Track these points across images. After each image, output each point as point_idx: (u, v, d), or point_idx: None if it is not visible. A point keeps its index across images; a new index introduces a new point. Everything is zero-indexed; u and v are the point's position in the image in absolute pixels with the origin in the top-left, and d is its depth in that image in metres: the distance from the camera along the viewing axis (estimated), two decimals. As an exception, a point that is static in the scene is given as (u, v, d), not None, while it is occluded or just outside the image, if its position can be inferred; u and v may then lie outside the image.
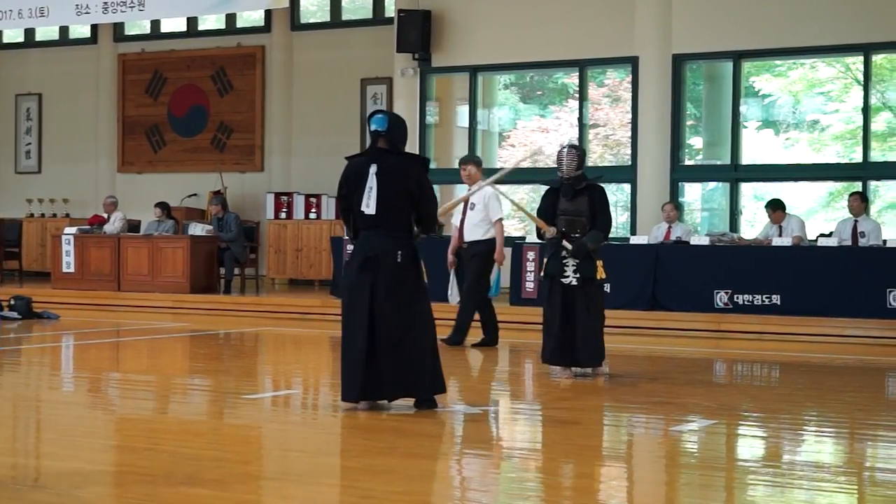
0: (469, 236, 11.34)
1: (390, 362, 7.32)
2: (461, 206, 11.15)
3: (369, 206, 7.33)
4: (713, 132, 17.05)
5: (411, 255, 7.45)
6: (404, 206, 7.39)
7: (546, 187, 9.48)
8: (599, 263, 9.20)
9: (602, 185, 9.39)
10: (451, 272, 11.46)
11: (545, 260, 9.36)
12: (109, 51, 21.65)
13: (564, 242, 9.13)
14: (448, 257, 11.49)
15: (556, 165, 9.37)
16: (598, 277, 9.19)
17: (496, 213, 11.28)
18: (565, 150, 9.24)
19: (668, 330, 13.48)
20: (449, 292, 11.42)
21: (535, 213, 9.55)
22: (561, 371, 9.22)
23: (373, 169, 7.36)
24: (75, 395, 8.75)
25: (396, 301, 7.33)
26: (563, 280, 9.14)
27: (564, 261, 9.14)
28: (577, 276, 9.12)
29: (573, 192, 9.14)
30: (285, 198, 19.19)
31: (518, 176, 18.66)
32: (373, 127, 7.47)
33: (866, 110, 15.53)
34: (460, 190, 18.11)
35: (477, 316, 11.54)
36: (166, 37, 21.31)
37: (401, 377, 7.35)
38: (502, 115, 18.96)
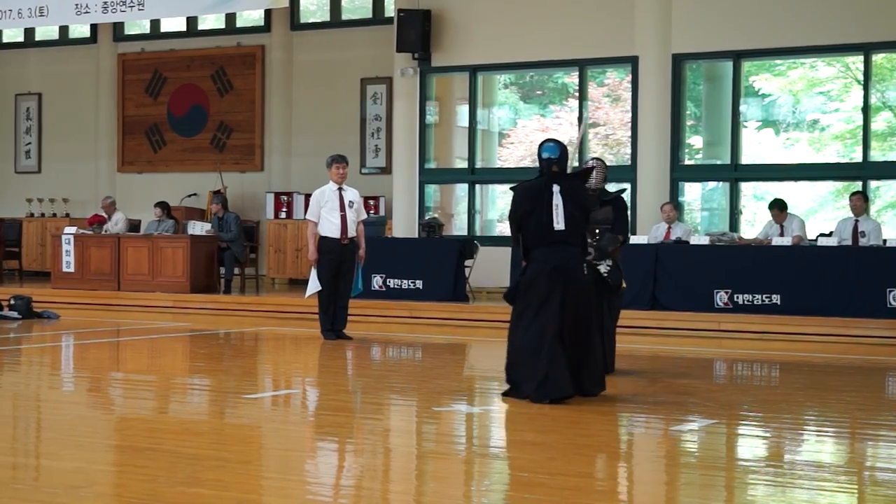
0: (352, 232, 12.08)
1: (581, 365, 7.96)
2: (340, 203, 11.93)
3: (559, 222, 8.01)
4: (713, 132, 17.05)
5: (591, 268, 8.36)
6: (583, 222, 8.19)
7: None
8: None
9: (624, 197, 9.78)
10: (313, 268, 12.14)
11: None
12: (109, 50, 21.66)
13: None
14: (311, 253, 12.11)
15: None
16: (623, 285, 9.32)
17: (362, 213, 12.32)
18: (595, 163, 9.50)
19: (669, 330, 13.48)
20: (309, 287, 12.15)
21: None
22: None
23: (556, 188, 8.07)
24: (75, 395, 8.74)
25: (582, 311, 7.99)
26: None
27: (597, 266, 9.21)
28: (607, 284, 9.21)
29: (600, 202, 9.34)
30: (285, 197, 19.22)
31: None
32: (545, 155, 8.20)
33: (866, 110, 15.53)
34: (461, 189, 18.13)
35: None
36: (166, 36, 21.33)
37: (588, 377, 8.01)
38: (502, 114, 18.94)
